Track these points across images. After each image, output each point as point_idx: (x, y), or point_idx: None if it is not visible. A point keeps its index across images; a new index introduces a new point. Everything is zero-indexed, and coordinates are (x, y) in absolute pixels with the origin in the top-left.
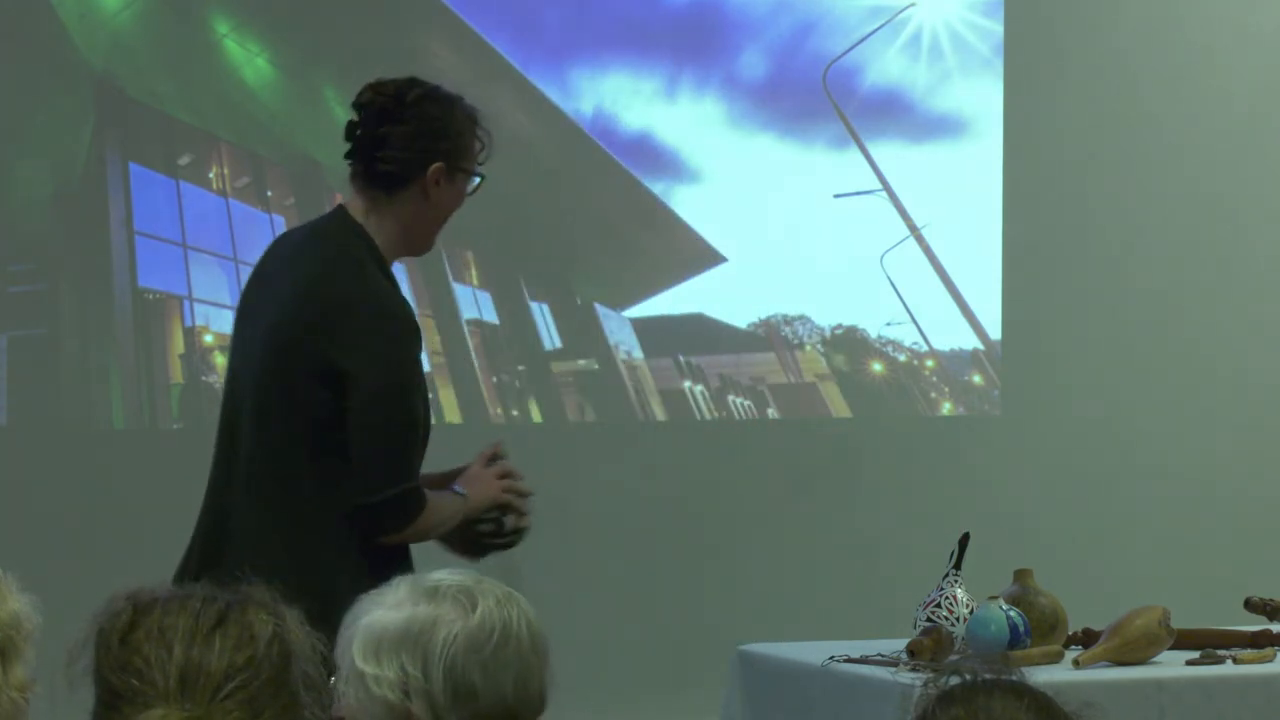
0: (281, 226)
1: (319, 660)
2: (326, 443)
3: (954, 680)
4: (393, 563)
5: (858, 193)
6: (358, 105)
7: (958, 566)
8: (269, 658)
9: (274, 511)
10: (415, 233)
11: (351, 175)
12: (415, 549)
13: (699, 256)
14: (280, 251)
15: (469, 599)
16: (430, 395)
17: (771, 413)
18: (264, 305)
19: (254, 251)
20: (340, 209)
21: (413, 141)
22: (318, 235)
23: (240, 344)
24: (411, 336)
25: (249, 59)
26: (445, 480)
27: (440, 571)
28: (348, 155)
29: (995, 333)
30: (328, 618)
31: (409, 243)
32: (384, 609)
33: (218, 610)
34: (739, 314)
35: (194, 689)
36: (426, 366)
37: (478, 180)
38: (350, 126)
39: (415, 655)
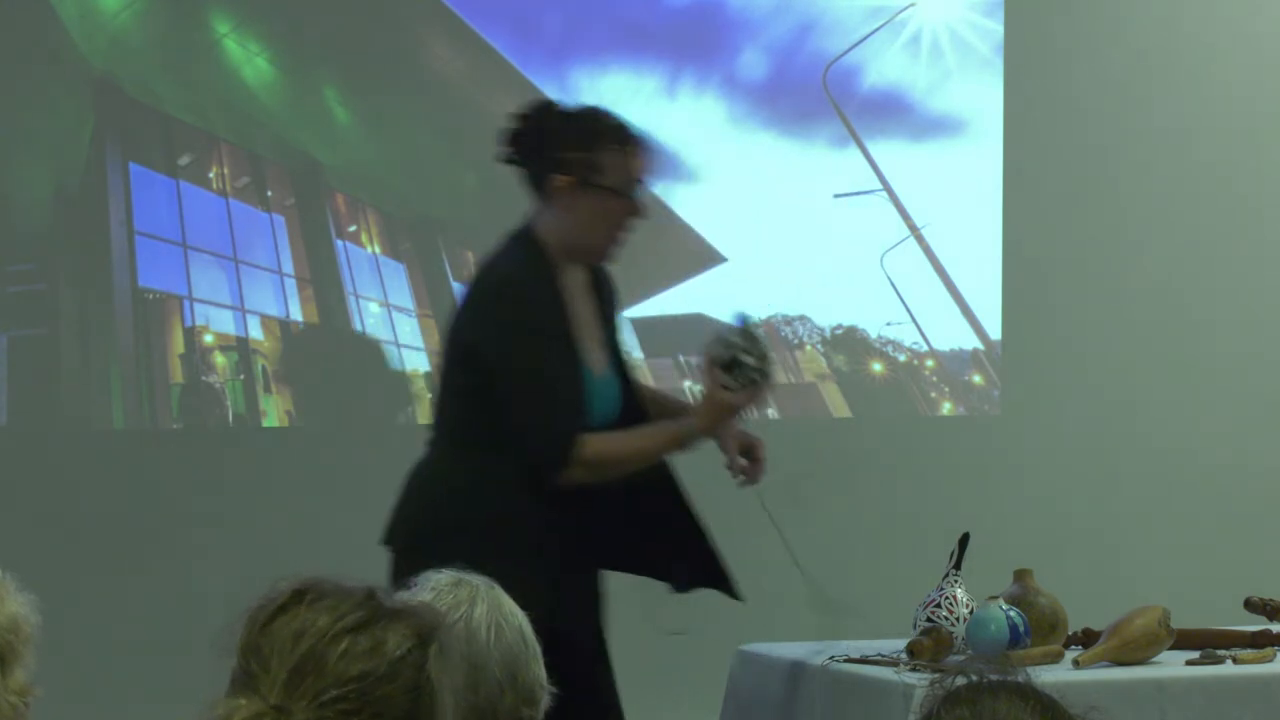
0: (281, 226)
1: (452, 689)
2: (475, 414)
3: (960, 681)
4: (566, 505)
5: (858, 193)
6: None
7: (958, 566)
8: (388, 675)
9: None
10: (572, 238)
11: None
12: None
13: (699, 256)
14: None
15: (425, 590)
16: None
17: (771, 413)
18: None
19: (254, 251)
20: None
21: (542, 150)
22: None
23: None
24: (535, 298)
25: (249, 59)
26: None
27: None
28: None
29: (995, 333)
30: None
31: (572, 248)
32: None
33: (362, 616)
34: None
35: (299, 687)
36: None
37: (626, 198)
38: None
39: None
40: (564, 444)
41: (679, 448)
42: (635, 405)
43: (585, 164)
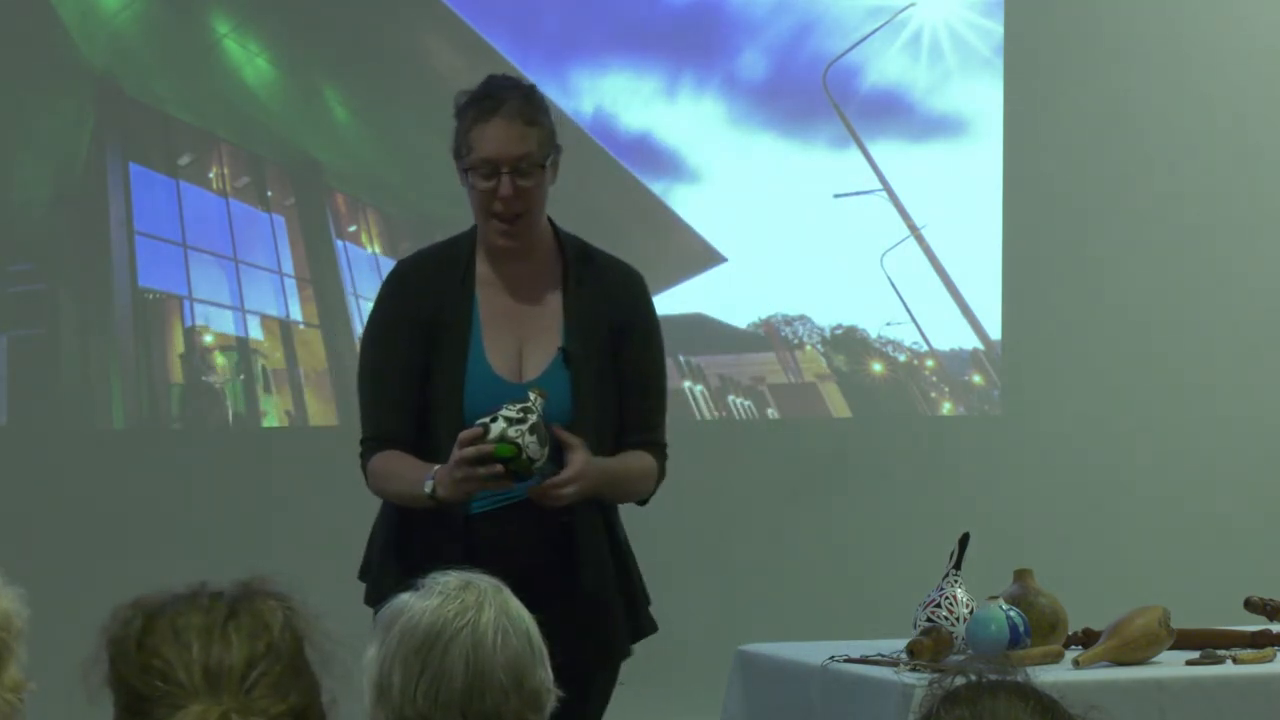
0: (281, 226)
1: (328, 636)
2: None
3: (959, 681)
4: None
5: (858, 193)
6: None
7: (958, 566)
8: (284, 642)
9: None
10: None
11: None
12: None
13: (699, 256)
14: None
15: (433, 593)
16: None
17: (771, 413)
18: None
19: (254, 251)
20: None
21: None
22: None
23: None
24: (387, 291)
25: (249, 59)
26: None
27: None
28: None
29: (995, 333)
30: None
31: (480, 237)
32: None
33: (227, 605)
34: (739, 314)
35: (220, 683)
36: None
37: (468, 172)
38: None
39: (373, 644)
40: (361, 452)
41: (419, 499)
42: (588, 417)
43: (455, 141)
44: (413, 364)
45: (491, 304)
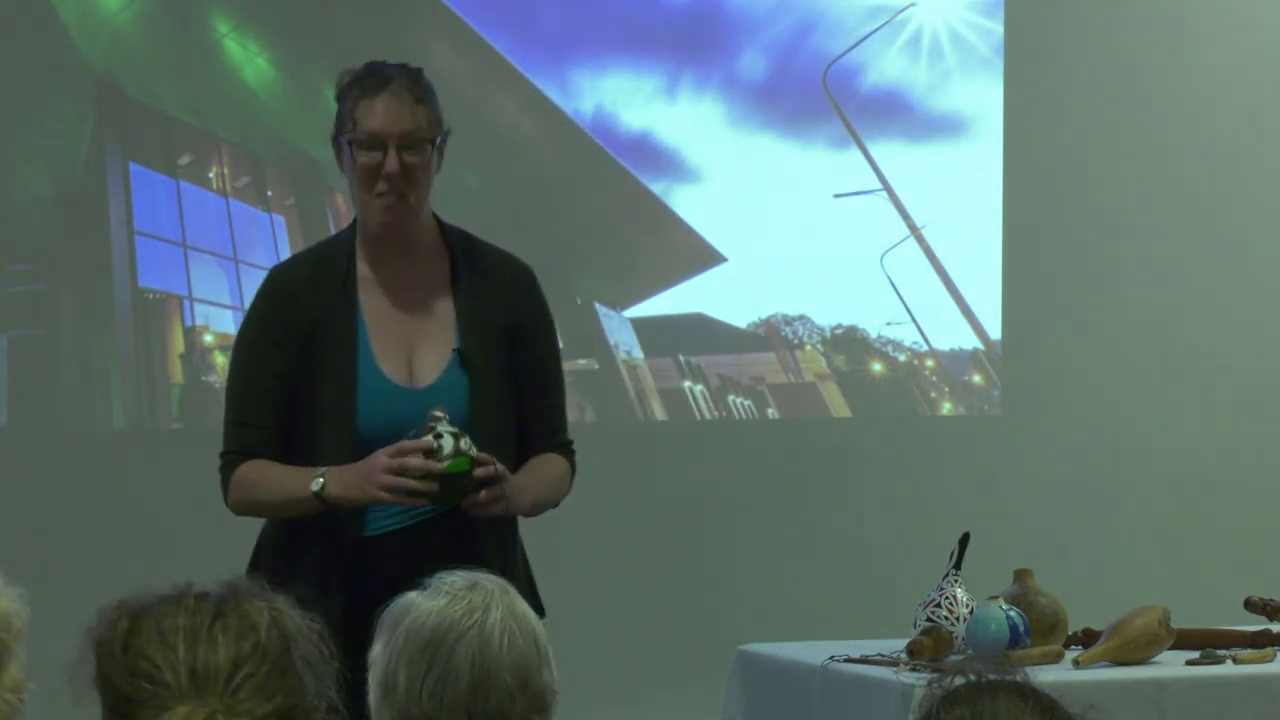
0: (282, 226)
1: (315, 639)
2: None
3: (959, 681)
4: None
5: (858, 193)
6: None
7: (958, 566)
8: (271, 643)
9: None
10: (358, 215)
11: None
12: None
13: (699, 256)
14: None
15: (440, 593)
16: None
17: (771, 413)
18: None
19: (254, 251)
20: None
21: None
22: None
23: None
24: (260, 301)
25: (249, 59)
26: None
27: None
28: None
29: (995, 333)
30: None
31: (361, 227)
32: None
33: (212, 605)
34: (739, 314)
35: (206, 684)
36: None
37: (347, 145)
38: None
39: (379, 642)
40: (220, 466)
41: (300, 501)
42: (493, 424)
43: (337, 121)
44: (285, 377)
45: (376, 305)
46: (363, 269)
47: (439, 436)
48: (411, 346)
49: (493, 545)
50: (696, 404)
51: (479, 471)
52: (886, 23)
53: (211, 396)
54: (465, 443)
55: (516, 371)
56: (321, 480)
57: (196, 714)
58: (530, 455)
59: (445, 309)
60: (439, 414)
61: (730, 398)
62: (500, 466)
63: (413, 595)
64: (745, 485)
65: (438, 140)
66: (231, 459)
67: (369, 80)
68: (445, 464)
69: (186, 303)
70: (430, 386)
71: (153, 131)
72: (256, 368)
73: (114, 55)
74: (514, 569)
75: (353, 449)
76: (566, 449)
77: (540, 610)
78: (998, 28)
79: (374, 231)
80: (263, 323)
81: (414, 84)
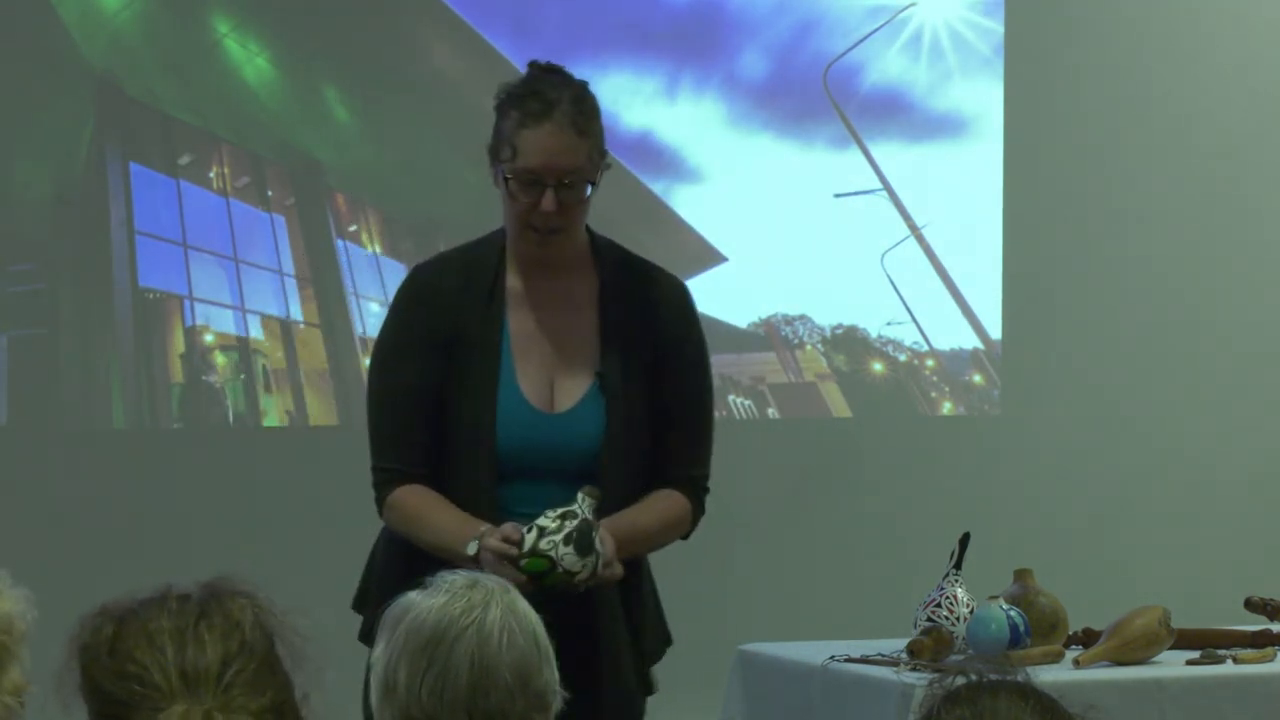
0: (282, 226)
1: (297, 631)
2: None
3: (959, 681)
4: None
5: (858, 192)
6: None
7: (958, 566)
8: (256, 640)
9: None
10: (509, 236)
11: None
12: None
13: (699, 256)
14: None
15: (440, 591)
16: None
17: (772, 412)
18: None
19: (254, 251)
20: None
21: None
22: None
23: None
24: (401, 304)
25: (249, 59)
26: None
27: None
28: None
29: (995, 333)
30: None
31: (511, 247)
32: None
33: (196, 606)
34: (739, 314)
35: (198, 684)
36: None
37: (506, 176)
38: None
39: (380, 642)
40: (376, 480)
41: (456, 556)
42: (625, 450)
43: (494, 138)
44: (429, 384)
45: (522, 321)
46: (512, 281)
47: (528, 530)
48: (554, 368)
49: (608, 613)
50: None
51: (562, 580)
52: (886, 22)
53: (211, 396)
54: (549, 542)
55: (659, 397)
56: (476, 545)
57: (193, 713)
58: (655, 487)
59: (590, 328)
60: (581, 495)
61: (730, 397)
62: (592, 572)
63: (413, 594)
64: (745, 485)
65: (598, 176)
66: (389, 475)
67: (531, 103)
68: (523, 561)
69: (187, 303)
70: (568, 412)
71: (153, 131)
72: (401, 376)
73: (114, 55)
74: (639, 597)
75: (491, 469)
76: (695, 486)
77: (656, 655)
78: (998, 27)
79: (521, 259)
80: (408, 328)
81: (577, 112)
